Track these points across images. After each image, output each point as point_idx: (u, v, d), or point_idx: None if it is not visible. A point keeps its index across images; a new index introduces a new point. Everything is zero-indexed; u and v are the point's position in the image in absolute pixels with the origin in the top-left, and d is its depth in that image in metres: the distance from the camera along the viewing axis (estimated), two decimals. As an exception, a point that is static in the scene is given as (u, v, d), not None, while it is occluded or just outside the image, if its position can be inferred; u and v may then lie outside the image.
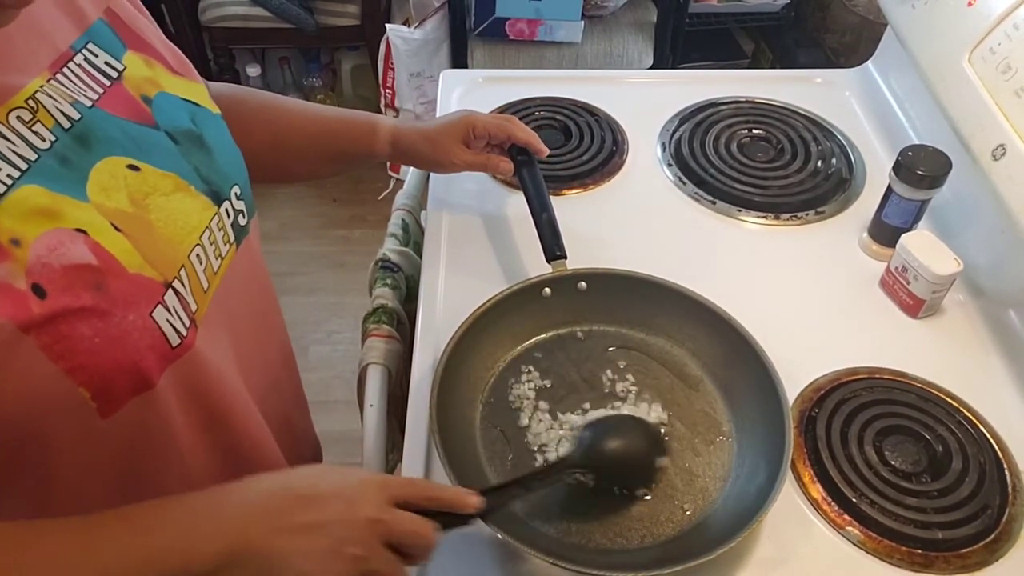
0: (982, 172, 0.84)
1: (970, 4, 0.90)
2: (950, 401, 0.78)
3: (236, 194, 0.63)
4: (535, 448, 0.73)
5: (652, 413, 0.75)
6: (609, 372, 0.79)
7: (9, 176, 0.46)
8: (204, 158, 0.60)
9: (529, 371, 0.79)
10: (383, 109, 2.14)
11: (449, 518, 0.56)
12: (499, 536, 0.61)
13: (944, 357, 0.84)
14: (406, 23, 2.01)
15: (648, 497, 0.70)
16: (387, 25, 1.97)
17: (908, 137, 1.07)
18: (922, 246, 0.84)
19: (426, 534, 0.54)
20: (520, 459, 0.72)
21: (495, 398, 0.77)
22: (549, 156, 0.92)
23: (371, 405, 0.79)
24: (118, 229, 0.50)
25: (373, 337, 0.86)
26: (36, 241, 0.46)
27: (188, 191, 0.57)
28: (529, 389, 0.78)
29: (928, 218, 0.92)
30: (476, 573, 0.66)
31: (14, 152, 0.47)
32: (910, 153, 0.87)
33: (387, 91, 2.09)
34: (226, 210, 0.61)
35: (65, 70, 0.53)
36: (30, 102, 0.49)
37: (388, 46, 1.98)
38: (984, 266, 0.90)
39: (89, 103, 0.53)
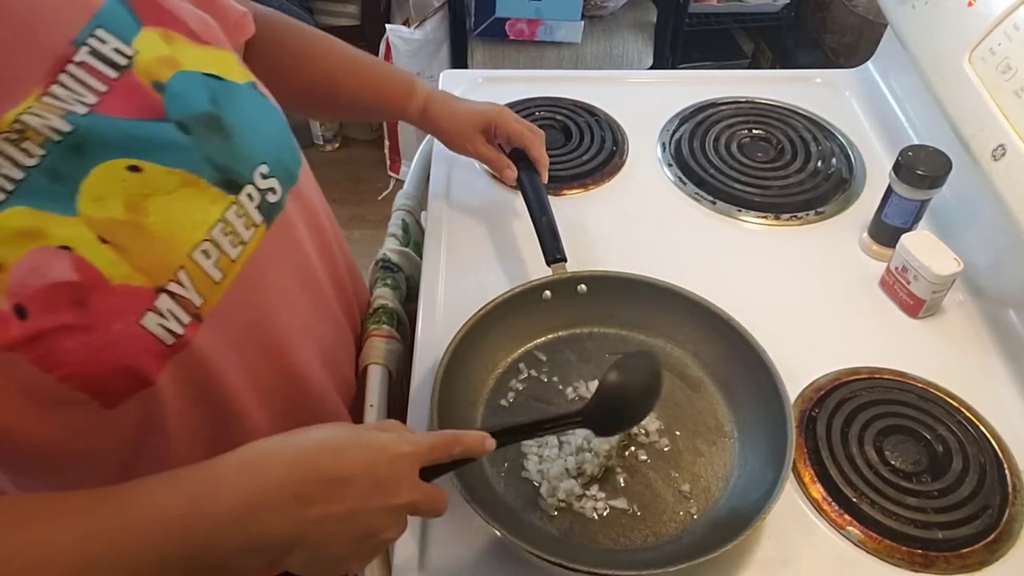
0: (982, 172, 0.84)
1: (970, 4, 0.90)
2: (950, 401, 0.78)
3: (262, 174, 0.60)
4: (536, 448, 0.73)
5: (651, 425, 0.75)
6: (609, 372, 0.79)
7: None
8: (220, 145, 0.57)
9: (530, 374, 0.80)
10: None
11: (462, 460, 0.57)
12: (502, 536, 0.61)
13: (944, 357, 0.84)
14: (406, 23, 2.01)
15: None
16: (387, 25, 1.97)
17: (908, 137, 1.07)
18: (922, 246, 0.84)
19: (443, 507, 0.55)
20: (519, 460, 0.72)
21: (496, 400, 0.78)
22: (549, 156, 0.92)
23: (371, 405, 0.78)
24: (105, 241, 0.50)
25: (373, 337, 0.85)
26: (17, 263, 0.46)
27: (197, 185, 0.55)
28: (530, 391, 0.78)
29: (928, 218, 0.92)
30: (478, 573, 0.66)
31: (1, 175, 0.47)
32: (910, 153, 0.87)
33: (387, 91, 2.09)
34: (248, 195, 0.59)
35: (62, 76, 0.51)
36: (16, 125, 0.48)
37: (388, 46, 1.99)
38: (984, 266, 0.90)
39: (85, 110, 0.51)
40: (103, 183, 0.51)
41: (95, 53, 0.52)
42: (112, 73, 0.53)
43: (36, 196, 0.48)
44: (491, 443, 0.57)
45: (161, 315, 0.52)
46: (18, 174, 0.47)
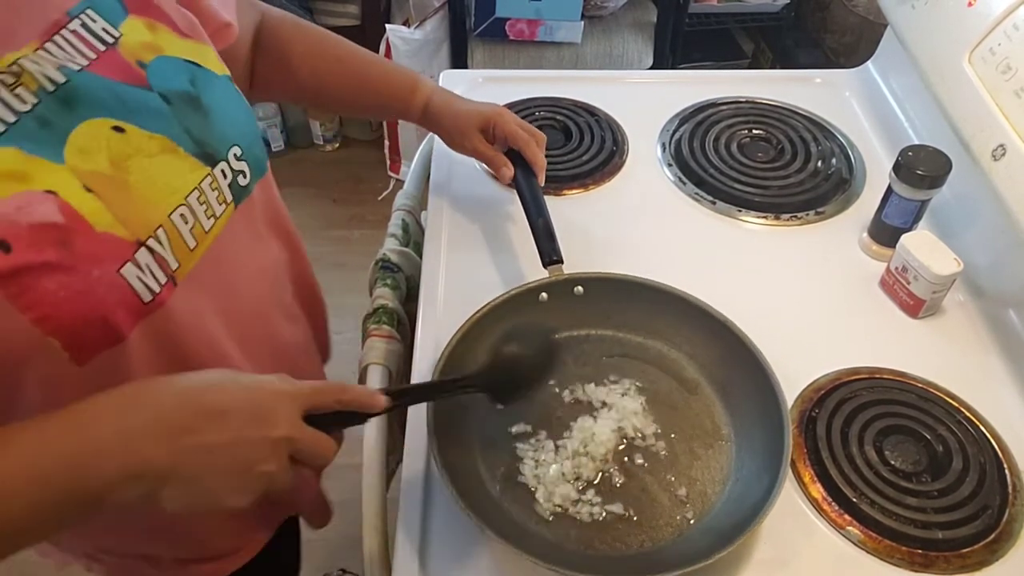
0: (982, 172, 0.84)
1: (970, 4, 0.90)
2: (950, 401, 0.78)
3: (235, 155, 0.63)
4: (532, 452, 0.73)
5: (648, 428, 0.75)
6: (606, 376, 0.79)
7: None
8: (198, 120, 0.60)
9: (528, 373, 0.79)
10: (383, 109, 2.14)
11: (351, 416, 0.58)
12: (499, 542, 0.61)
13: (944, 357, 0.83)
14: (406, 23, 2.01)
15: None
16: (387, 25, 1.97)
17: (908, 137, 1.07)
18: (922, 246, 0.84)
19: (328, 452, 0.55)
20: (515, 464, 0.72)
21: (493, 403, 0.77)
22: (549, 156, 0.92)
23: (371, 406, 0.78)
24: (89, 190, 0.51)
25: (373, 337, 0.86)
26: (4, 201, 0.47)
27: (176, 153, 0.58)
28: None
29: (928, 218, 0.92)
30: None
31: None
32: (910, 153, 0.87)
33: (387, 91, 2.09)
34: (222, 171, 0.62)
35: (57, 37, 0.53)
36: (13, 67, 0.50)
37: (388, 46, 1.98)
38: (984, 266, 0.90)
39: (78, 67, 0.54)
40: (89, 138, 0.53)
41: (86, 27, 0.56)
42: (100, 46, 0.56)
43: (26, 139, 0.50)
44: (381, 399, 0.58)
45: (140, 268, 0.54)
46: (10, 117, 0.49)
